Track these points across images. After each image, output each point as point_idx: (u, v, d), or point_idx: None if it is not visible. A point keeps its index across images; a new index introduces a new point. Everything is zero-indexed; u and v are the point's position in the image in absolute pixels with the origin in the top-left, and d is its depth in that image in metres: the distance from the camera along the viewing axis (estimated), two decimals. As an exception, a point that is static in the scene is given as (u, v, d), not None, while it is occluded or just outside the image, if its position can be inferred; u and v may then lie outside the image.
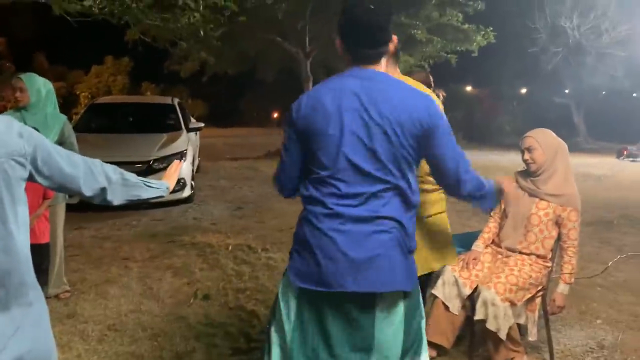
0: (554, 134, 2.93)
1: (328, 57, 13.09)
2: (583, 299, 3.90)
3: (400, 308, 1.78)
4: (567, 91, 20.95)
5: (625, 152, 14.35)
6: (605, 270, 4.53)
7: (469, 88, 21.95)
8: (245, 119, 30.35)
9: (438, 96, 3.21)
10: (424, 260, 2.50)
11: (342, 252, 1.69)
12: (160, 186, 1.96)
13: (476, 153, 15.10)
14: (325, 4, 10.47)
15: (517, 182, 3.01)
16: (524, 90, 23.91)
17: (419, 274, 1.93)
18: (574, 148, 18.55)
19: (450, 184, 1.91)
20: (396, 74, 2.39)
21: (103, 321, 3.40)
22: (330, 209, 1.71)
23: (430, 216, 2.62)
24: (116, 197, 1.73)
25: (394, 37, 1.85)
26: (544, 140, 2.87)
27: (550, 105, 21.38)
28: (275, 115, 35.50)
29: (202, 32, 7.47)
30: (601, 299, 3.89)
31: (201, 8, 6.58)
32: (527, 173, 2.94)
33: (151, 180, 1.88)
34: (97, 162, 1.71)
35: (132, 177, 1.79)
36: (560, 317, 3.55)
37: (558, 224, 2.84)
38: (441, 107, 3.23)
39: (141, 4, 6.40)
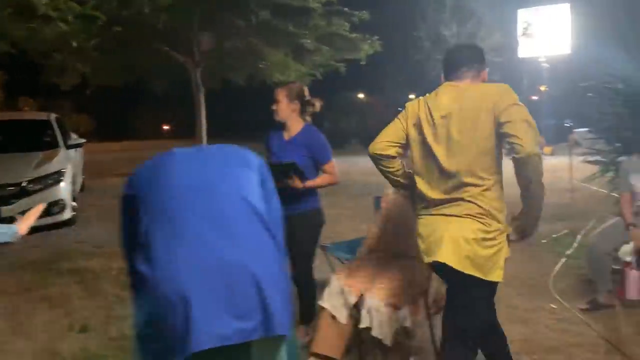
0: None
1: (221, 66, 12.89)
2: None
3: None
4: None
5: (503, 152, 15.43)
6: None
7: (361, 96, 22.63)
8: (137, 132, 29.14)
9: (313, 105, 3.21)
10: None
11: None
12: (7, 230, 1.78)
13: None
14: (214, 13, 10.31)
15: (396, 187, 3.07)
16: (412, 96, 25.10)
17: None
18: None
19: None
20: None
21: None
22: None
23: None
24: None
25: None
26: None
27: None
28: (166, 127, 34.43)
29: (74, 43, 6.99)
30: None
31: (70, 18, 6.15)
32: (405, 178, 3.00)
33: None
34: None
35: None
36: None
37: (436, 226, 2.92)
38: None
39: (4, 13, 5.87)
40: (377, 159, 2.45)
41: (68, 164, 7.28)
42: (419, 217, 2.37)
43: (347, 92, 20.94)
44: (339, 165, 3.31)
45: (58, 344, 3.34)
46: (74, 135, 9.14)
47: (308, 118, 3.23)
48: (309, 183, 3.06)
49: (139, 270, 1.64)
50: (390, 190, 3.10)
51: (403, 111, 2.47)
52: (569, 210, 6.59)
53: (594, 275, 3.80)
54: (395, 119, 2.46)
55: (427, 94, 2.43)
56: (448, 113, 2.24)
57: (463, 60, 2.39)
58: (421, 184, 2.32)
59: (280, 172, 3.01)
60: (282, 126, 3.20)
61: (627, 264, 3.57)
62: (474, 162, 2.19)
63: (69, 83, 12.49)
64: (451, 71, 2.40)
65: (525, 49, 16.10)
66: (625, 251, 3.55)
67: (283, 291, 1.75)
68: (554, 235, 5.76)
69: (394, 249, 2.96)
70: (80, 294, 4.25)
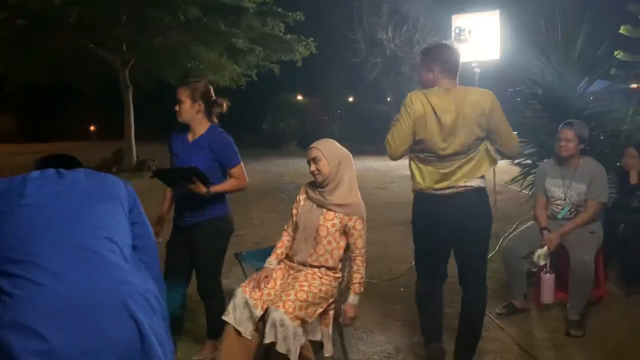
0: (338, 145, 2.90)
1: (151, 65, 12.43)
2: (387, 302, 4.00)
3: None
4: (388, 99, 22.49)
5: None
6: (408, 270, 4.72)
7: (299, 97, 22.55)
8: (63, 133, 27.81)
9: (221, 105, 3.04)
10: None
11: None
12: None
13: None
14: (139, 9, 9.88)
15: (306, 193, 2.94)
16: (351, 99, 25.24)
17: None
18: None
19: None
20: None
21: None
22: None
23: None
24: None
25: None
26: (328, 151, 2.82)
27: (373, 112, 22.73)
28: (94, 128, 33.07)
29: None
30: (403, 301, 4.00)
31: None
32: (316, 184, 2.88)
33: None
34: None
35: None
36: (364, 323, 3.58)
37: (345, 233, 2.81)
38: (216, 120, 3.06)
39: None
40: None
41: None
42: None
43: (285, 93, 20.78)
44: (275, 167, 3.17)
45: None
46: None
47: (215, 119, 3.04)
48: (215, 188, 2.87)
49: None
50: (301, 197, 2.96)
51: (404, 110, 2.74)
52: (493, 213, 6.67)
53: (510, 279, 3.81)
54: (402, 121, 2.75)
55: (424, 92, 2.76)
56: (454, 114, 2.69)
57: (459, 64, 2.83)
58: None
59: (181, 177, 2.82)
60: (186, 127, 3.00)
61: (541, 268, 3.59)
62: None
63: (-16, 81, 11.75)
64: (452, 72, 2.82)
65: (459, 54, 16.50)
66: (539, 255, 3.56)
67: (163, 317, 1.60)
68: (478, 238, 5.79)
69: (302, 258, 2.82)
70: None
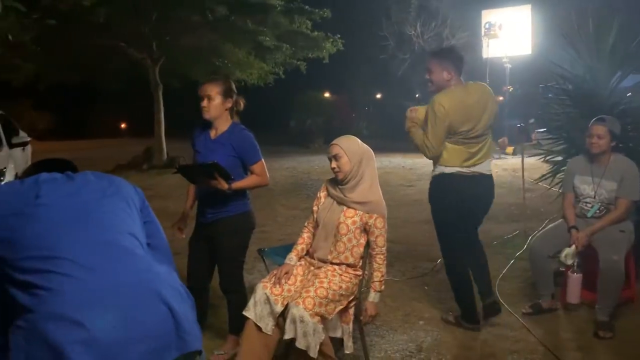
0: (359, 141, 2.88)
1: (180, 64, 12.58)
2: (410, 300, 3.96)
3: None
4: (417, 95, 22.28)
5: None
6: (433, 269, 4.68)
7: (326, 95, 22.50)
8: (96, 131, 28.41)
9: (239, 103, 3.05)
10: None
11: None
12: None
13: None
14: (167, 8, 10.01)
15: (327, 190, 2.93)
16: (378, 96, 25.08)
17: None
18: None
19: None
20: None
21: None
22: None
23: None
24: None
25: None
26: (349, 148, 2.80)
27: (401, 109, 22.57)
28: (123, 125, 33.64)
29: (10, 37, 6.62)
30: (426, 299, 3.97)
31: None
32: (336, 181, 2.86)
33: None
34: None
35: None
36: (386, 320, 3.56)
37: (366, 231, 2.79)
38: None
39: None
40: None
41: (10, 163, 6.94)
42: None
43: (312, 91, 20.74)
44: (301, 165, 3.20)
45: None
46: (22, 134, 8.75)
47: (235, 117, 3.05)
48: (236, 184, 2.88)
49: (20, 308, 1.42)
50: (322, 193, 2.95)
51: (436, 116, 3.19)
52: (522, 210, 6.55)
53: (536, 278, 3.73)
54: (437, 126, 3.21)
55: (447, 93, 3.25)
56: (478, 103, 3.27)
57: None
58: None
59: (203, 173, 2.84)
60: (209, 124, 3.02)
61: (569, 267, 3.50)
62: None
63: (18, 80, 12.04)
64: (461, 71, 3.35)
65: (489, 49, 16.20)
66: (567, 254, 3.48)
67: (191, 306, 1.62)
68: (505, 237, 5.70)
69: (322, 255, 2.81)
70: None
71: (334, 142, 2.84)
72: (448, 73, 3.29)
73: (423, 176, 11.26)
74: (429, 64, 3.36)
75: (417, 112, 3.42)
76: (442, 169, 3.32)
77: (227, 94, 2.95)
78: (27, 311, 1.39)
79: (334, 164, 2.80)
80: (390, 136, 18.20)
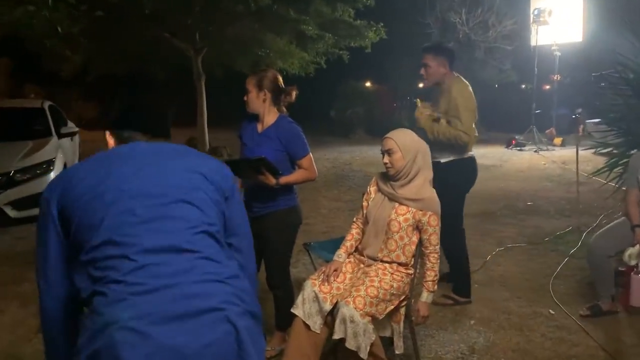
0: (414, 136, 2.76)
1: (223, 54, 12.62)
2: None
3: None
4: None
5: (513, 142, 15.03)
6: (483, 266, 4.52)
7: (368, 84, 22.22)
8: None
9: (290, 94, 2.98)
10: None
11: None
12: None
13: (377, 147, 15.19)
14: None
15: (377, 185, 2.83)
16: (421, 85, 24.62)
17: None
18: (468, 139, 19.29)
19: None
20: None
21: None
22: None
23: None
24: None
25: None
26: (403, 143, 2.68)
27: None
28: (167, 115, 34.14)
29: (59, 29, 6.73)
30: (477, 297, 3.83)
31: (50, 2, 5.90)
32: (387, 176, 2.76)
33: None
34: None
35: None
36: (435, 320, 3.45)
37: (418, 229, 2.68)
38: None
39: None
40: None
41: (59, 153, 7.09)
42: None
43: (353, 80, 20.48)
44: (342, 155, 3.13)
45: (21, 348, 3.16)
46: (71, 124, 8.95)
47: (284, 109, 2.98)
48: (283, 179, 2.82)
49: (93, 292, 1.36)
50: (372, 188, 2.86)
51: (472, 94, 3.56)
52: (574, 205, 6.28)
53: (596, 278, 3.54)
54: (472, 106, 3.55)
55: (463, 82, 3.61)
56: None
57: None
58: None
59: (250, 167, 2.79)
60: (255, 116, 2.96)
61: (632, 268, 3.30)
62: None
63: (67, 71, 12.29)
64: (453, 65, 3.66)
65: (538, 37, 15.64)
66: (630, 254, 3.28)
67: (256, 317, 1.49)
68: (557, 233, 5.48)
69: (372, 252, 2.72)
70: (54, 291, 4.06)
71: (387, 135, 2.73)
72: (444, 67, 3.56)
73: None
74: (425, 59, 3.58)
75: (427, 108, 3.67)
76: (470, 153, 3.65)
77: (261, 86, 2.88)
78: (93, 310, 1.33)
79: (386, 159, 2.69)
80: (432, 126, 17.83)
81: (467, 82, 3.60)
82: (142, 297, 1.32)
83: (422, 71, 3.63)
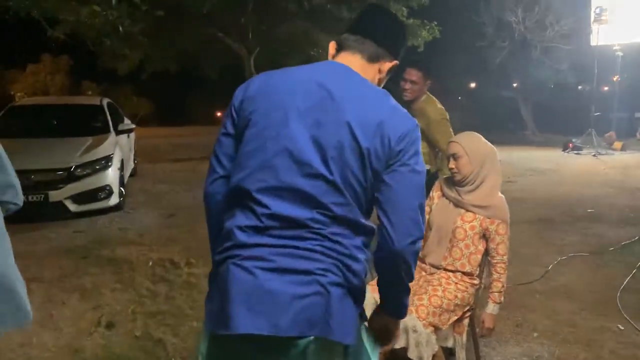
0: (483, 140, 2.64)
1: (275, 53, 12.73)
2: (520, 308, 3.68)
3: None
4: (515, 85, 21.21)
5: (570, 145, 14.50)
6: (544, 275, 4.35)
7: (418, 83, 21.95)
8: (192, 118, 29.51)
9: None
10: None
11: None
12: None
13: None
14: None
15: (441, 190, 2.73)
16: (473, 85, 24.13)
17: None
18: (522, 141, 18.77)
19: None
20: None
21: (-19, 361, 2.96)
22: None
23: None
24: None
25: None
26: (470, 147, 2.57)
27: (498, 99, 21.59)
28: (219, 114, 34.79)
29: (120, 28, 6.92)
30: (539, 308, 3.67)
31: (113, 2, 6.07)
32: (452, 180, 2.66)
33: None
34: None
35: None
36: (496, 331, 3.31)
37: (485, 237, 2.58)
38: None
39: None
40: None
41: (117, 149, 7.28)
42: None
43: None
44: None
45: (82, 341, 3.23)
46: (127, 120, 9.20)
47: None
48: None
49: None
50: (435, 193, 2.76)
51: (444, 111, 3.63)
52: (639, 213, 5.99)
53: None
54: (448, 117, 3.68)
55: (432, 98, 3.69)
56: None
57: None
58: None
59: None
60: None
61: None
62: None
63: (124, 68, 12.67)
64: None
65: (598, 36, 15.04)
66: None
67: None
68: (623, 242, 5.21)
69: (435, 260, 2.63)
70: (112, 285, 4.15)
71: (453, 139, 2.64)
72: (425, 84, 3.59)
73: (525, 172, 10.67)
74: (411, 75, 3.53)
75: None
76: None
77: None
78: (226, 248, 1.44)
79: (452, 164, 2.59)
80: (484, 128, 17.46)
81: (435, 99, 3.67)
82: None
83: (407, 86, 3.58)
